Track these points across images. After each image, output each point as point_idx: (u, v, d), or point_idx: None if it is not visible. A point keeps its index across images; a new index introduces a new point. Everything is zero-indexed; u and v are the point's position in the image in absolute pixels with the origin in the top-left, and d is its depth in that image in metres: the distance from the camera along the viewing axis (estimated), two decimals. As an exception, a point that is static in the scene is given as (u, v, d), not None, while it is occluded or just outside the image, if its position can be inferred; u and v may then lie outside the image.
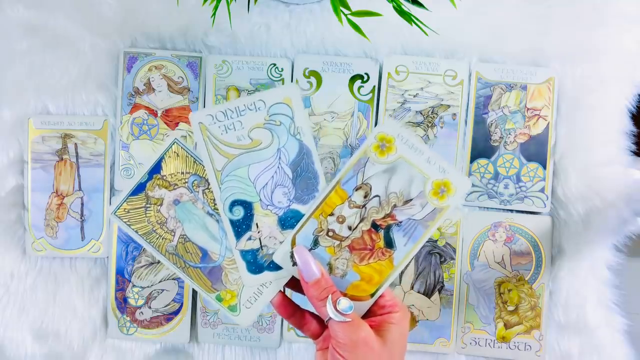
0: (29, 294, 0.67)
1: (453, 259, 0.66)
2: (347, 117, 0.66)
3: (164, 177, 0.50)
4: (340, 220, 0.48)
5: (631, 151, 0.67)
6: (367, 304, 0.48)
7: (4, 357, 0.67)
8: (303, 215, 0.49)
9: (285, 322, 0.67)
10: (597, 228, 0.65)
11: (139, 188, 0.50)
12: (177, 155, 0.51)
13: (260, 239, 0.49)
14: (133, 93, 0.66)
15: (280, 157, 0.49)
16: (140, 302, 0.66)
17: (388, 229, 0.48)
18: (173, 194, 0.50)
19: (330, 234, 0.48)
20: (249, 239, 0.49)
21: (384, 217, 0.48)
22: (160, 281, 0.66)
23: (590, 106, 0.66)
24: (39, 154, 0.66)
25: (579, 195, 0.65)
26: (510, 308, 0.66)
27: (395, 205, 0.48)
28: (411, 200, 0.48)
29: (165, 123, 0.66)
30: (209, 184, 0.50)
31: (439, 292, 0.66)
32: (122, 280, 0.66)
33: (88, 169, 0.67)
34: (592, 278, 0.66)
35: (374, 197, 0.48)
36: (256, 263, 0.49)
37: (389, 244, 0.48)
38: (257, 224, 0.49)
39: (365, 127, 0.66)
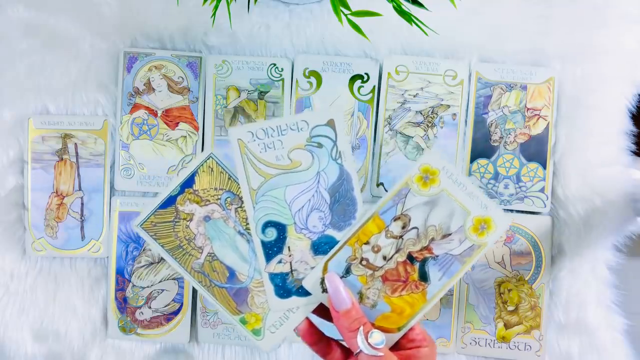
0: (29, 294, 0.67)
1: (453, 259, 0.66)
2: (347, 117, 0.66)
3: (196, 192, 0.48)
4: (376, 249, 0.47)
5: (631, 151, 0.67)
6: (395, 336, 0.46)
7: (4, 357, 0.67)
8: (337, 241, 0.48)
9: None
10: (597, 228, 0.65)
11: (169, 201, 0.48)
12: (212, 170, 0.49)
13: (291, 262, 0.48)
14: (133, 93, 0.66)
15: (319, 181, 0.48)
16: (140, 302, 0.66)
17: (424, 262, 0.47)
18: (204, 210, 0.48)
19: (364, 262, 0.47)
20: (280, 262, 0.48)
21: (420, 250, 0.47)
22: (160, 281, 0.66)
23: (590, 106, 0.66)
24: (39, 154, 0.66)
25: (579, 195, 0.65)
26: (510, 308, 0.66)
27: (433, 239, 0.47)
28: (450, 234, 0.47)
29: (165, 123, 0.66)
30: (242, 203, 0.48)
31: (439, 292, 0.66)
32: (122, 280, 0.66)
33: (88, 169, 0.67)
34: (592, 278, 0.66)
35: (412, 228, 0.47)
36: (285, 287, 0.48)
37: (424, 277, 0.47)
38: (289, 247, 0.48)
39: (365, 127, 0.66)
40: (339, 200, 0.48)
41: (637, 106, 0.67)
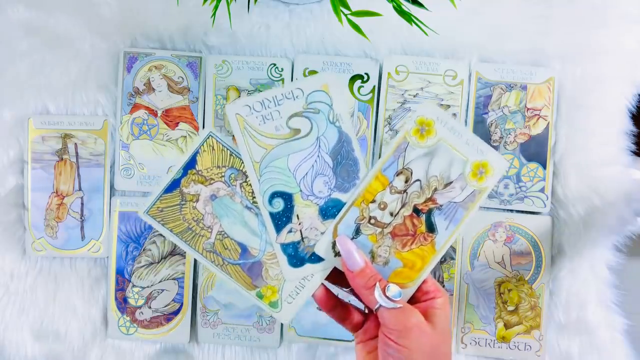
0: (29, 294, 0.67)
1: (453, 259, 0.66)
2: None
3: (200, 172, 0.49)
4: (382, 206, 0.48)
5: (631, 151, 0.67)
6: (410, 290, 0.47)
7: (4, 357, 0.67)
8: (344, 204, 0.48)
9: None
10: (597, 228, 0.65)
11: (173, 185, 0.49)
12: (213, 148, 0.49)
13: (301, 230, 0.48)
14: (133, 93, 0.66)
15: (319, 146, 0.49)
16: (140, 302, 0.66)
17: (429, 213, 0.48)
18: (209, 189, 0.49)
19: (372, 221, 0.48)
20: (290, 231, 0.48)
21: (425, 202, 0.48)
22: (160, 281, 0.66)
23: (590, 106, 0.66)
24: (39, 154, 0.66)
25: (579, 195, 0.65)
26: (510, 308, 0.66)
27: (436, 189, 0.48)
28: (451, 183, 0.48)
29: (165, 123, 0.66)
30: (246, 177, 0.49)
31: (439, 292, 0.66)
32: (122, 280, 0.66)
33: (88, 169, 0.67)
34: (592, 278, 0.66)
35: (415, 181, 0.48)
36: (297, 256, 0.48)
37: (431, 228, 0.48)
38: (297, 216, 0.48)
39: (365, 127, 0.66)
40: (341, 163, 0.49)
41: (637, 106, 0.67)
